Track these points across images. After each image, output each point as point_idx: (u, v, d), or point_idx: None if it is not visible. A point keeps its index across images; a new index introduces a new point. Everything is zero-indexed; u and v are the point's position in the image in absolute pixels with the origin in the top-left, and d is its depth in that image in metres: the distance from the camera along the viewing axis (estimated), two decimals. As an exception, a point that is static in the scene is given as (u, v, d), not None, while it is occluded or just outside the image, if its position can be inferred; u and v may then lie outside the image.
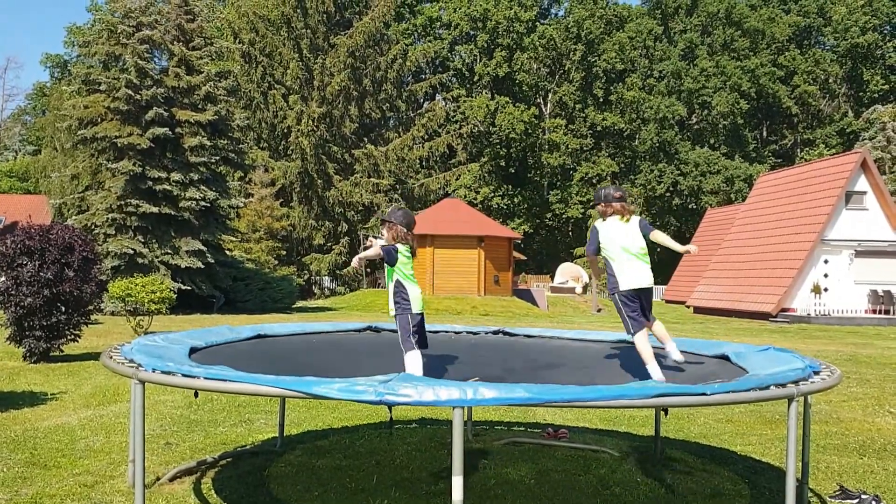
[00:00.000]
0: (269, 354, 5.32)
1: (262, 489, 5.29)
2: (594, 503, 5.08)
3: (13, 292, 11.13)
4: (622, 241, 4.99)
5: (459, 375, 4.89)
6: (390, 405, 3.50)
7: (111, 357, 4.58)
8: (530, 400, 3.45)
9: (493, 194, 55.01)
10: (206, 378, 3.79)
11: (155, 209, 24.56)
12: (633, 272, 4.96)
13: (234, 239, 30.70)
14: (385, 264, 5.05)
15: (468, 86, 58.27)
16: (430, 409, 7.93)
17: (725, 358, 5.50)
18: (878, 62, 58.96)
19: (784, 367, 4.39)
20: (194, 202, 25.07)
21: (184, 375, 3.89)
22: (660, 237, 5.10)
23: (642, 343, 4.85)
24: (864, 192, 28.57)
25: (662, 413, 6.41)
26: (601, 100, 57.15)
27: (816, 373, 4.45)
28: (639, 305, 4.97)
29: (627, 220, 5.02)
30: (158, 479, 5.42)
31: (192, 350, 5.06)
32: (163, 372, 4.00)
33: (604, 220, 5.13)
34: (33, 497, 4.95)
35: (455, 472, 3.37)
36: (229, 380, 3.71)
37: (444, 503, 4.82)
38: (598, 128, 55.68)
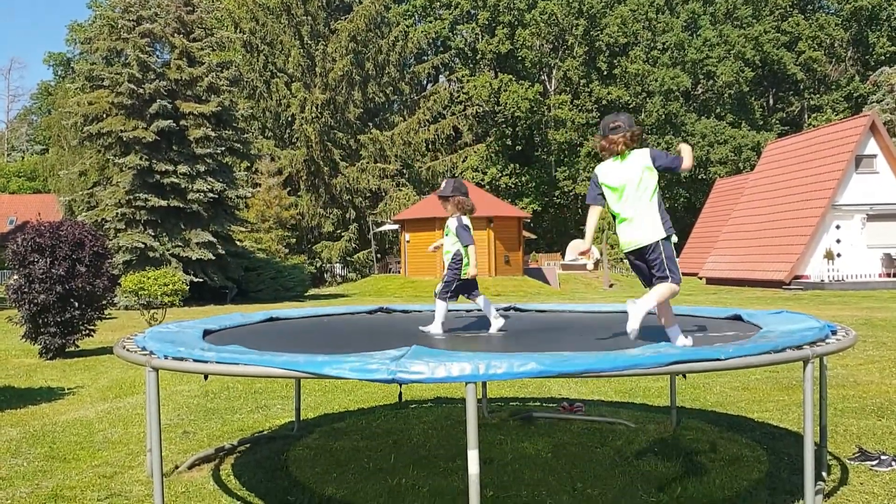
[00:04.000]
0: (281, 336, 5.32)
1: (280, 473, 5.31)
2: (612, 475, 5.08)
3: (26, 290, 11.18)
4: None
5: (471, 348, 4.87)
6: (402, 383, 3.47)
7: (124, 347, 4.59)
8: (543, 372, 3.41)
9: (500, 174, 54.79)
10: (218, 362, 3.79)
11: (163, 202, 24.64)
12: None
13: (243, 229, 30.71)
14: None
15: (471, 65, 57.90)
16: (444, 388, 7.94)
17: (738, 318, 5.47)
18: (883, 24, 58.18)
19: (799, 326, 4.34)
20: (202, 194, 25.12)
21: (196, 360, 3.89)
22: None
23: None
24: (875, 156, 28.32)
25: (681, 377, 6.37)
26: (605, 74, 56.72)
27: (834, 332, 4.42)
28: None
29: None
30: (177, 467, 5.45)
31: (206, 333, 5.07)
32: (175, 358, 4.00)
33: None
34: (54, 489, 4.98)
35: (470, 446, 3.36)
36: (241, 363, 3.71)
37: (461, 479, 4.82)
38: (604, 102, 55.26)
